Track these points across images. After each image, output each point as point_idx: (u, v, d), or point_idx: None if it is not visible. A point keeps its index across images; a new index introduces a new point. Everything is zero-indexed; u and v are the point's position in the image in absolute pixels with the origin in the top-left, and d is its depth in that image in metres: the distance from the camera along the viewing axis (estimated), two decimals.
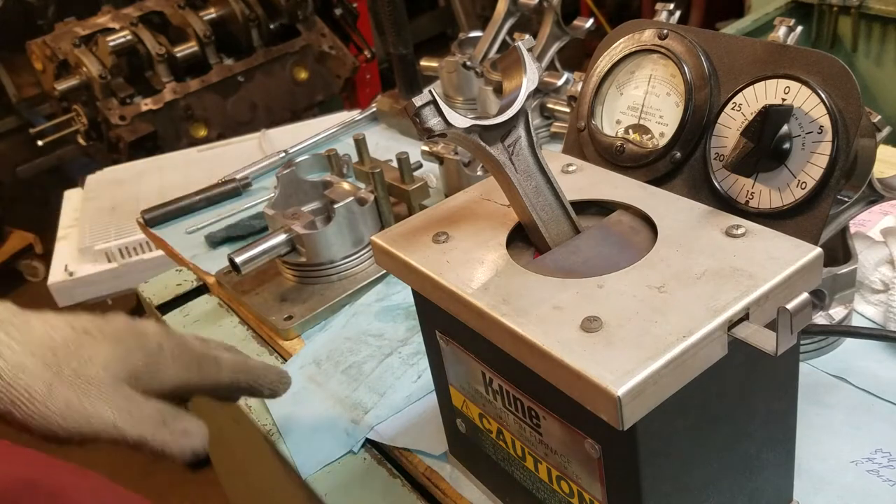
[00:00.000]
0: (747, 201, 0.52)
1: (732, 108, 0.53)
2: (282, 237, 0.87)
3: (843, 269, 0.67)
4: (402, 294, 0.87)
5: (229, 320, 0.92)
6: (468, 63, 1.18)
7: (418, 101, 0.47)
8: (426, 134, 0.48)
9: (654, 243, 0.48)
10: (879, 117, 0.55)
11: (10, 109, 2.76)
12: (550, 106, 1.10)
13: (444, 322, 0.54)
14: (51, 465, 0.58)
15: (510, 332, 0.44)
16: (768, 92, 0.52)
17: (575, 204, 0.54)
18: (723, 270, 0.45)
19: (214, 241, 1.04)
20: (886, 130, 0.57)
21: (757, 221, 0.48)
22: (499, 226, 0.53)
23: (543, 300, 0.45)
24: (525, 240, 0.54)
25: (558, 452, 0.49)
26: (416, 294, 0.56)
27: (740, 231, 0.48)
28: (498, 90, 1.12)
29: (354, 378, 0.77)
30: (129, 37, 2.12)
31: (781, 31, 0.64)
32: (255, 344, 0.87)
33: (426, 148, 1.02)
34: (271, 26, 2.30)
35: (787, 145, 0.51)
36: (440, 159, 0.99)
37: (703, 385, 0.42)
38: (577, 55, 2.83)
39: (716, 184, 0.54)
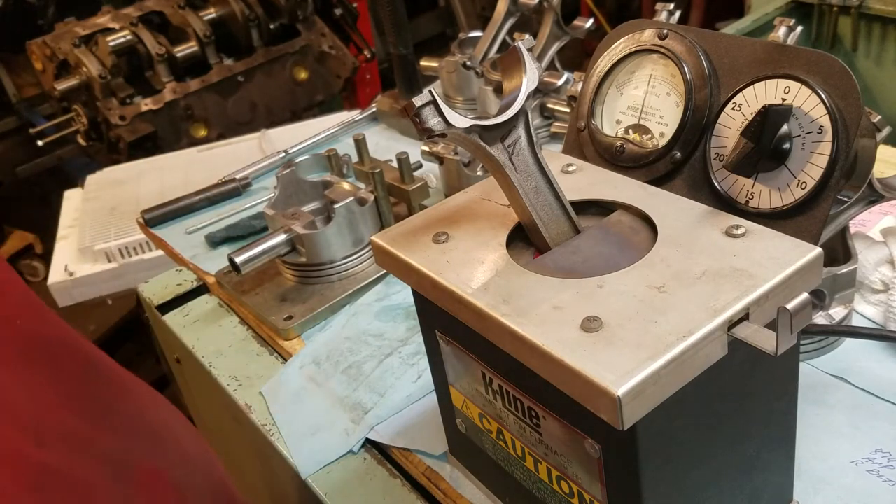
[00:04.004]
0: (747, 201, 0.52)
1: (732, 108, 0.53)
2: (282, 237, 0.87)
3: (843, 269, 0.67)
4: (402, 294, 0.87)
5: (229, 320, 0.92)
6: (468, 63, 1.18)
7: (418, 101, 0.47)
8: (426, 134, 0.48)
9: (654, 243, 0.48)
10: (879, 117, 0.55)
11: (10, 109, 2.75)
12: (550, 106, 1.10)
13: (444, 322, 0.54)
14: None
15: (510, 332, 0.44)
16: (768, 92, 0.52)
17: (575, 204, 0.54)
18: (723, 270, 0.45)
19: (214, 241, 1.04)
20: (886, 130, 0.57)
21: (757, 221, 0.48)
22: (499, 226, 0.53)
23: (543, 300, 0.45)
24: (525, 240, 0.54)
25: (558, 452, 0.49)
26: (416, 294, 0.56)
27: (740, 231, 0.48)
28: (498, 90, 1.12)
29: (354, 378, 0.77)
30: (129, 37, 2.12)
31: (781, 31, 0.64)
32: (256, 344, 0.87)
33: (426, 148, 1.02)
34: (271, 26, 2.30)
35: (787, 145, 0.51)
36: (440, 159, 0.99)
37: (703, 385, 0.42)
38: (577, 55, 2.83)
39: (716, 184, 0.54)
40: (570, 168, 0.59)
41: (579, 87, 0.63)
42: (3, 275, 0.57)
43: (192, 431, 0.70)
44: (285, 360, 0.83)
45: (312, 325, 0.86)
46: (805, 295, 0.41)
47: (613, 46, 0.61)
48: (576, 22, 1.11)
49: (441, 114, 0.47)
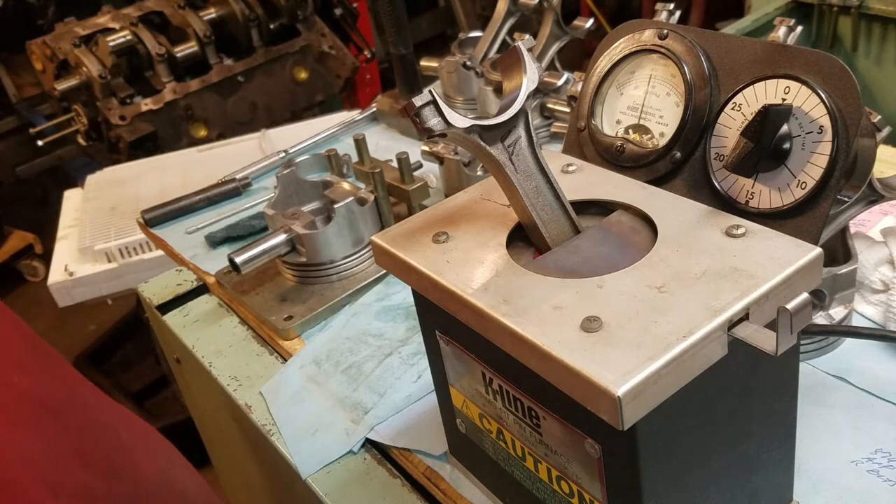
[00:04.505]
0: (747, 201, 0.52)
1: (732, 108, 0.53)
2: (282, 237, 0.87)
3: (843, 269, 0.67)
4: (402, 294, 0.87)
5: (229, 320, 0.92)
6: (468, 63, 1.18)
7: (418, 101, 0.47)
8: (426, 134, 0.48)
9: (654, 243, 0.48)
10: (879, 117, 0.55)
11: (10, 109, 2.76)
12: (550, 106, 1.10)
13: (444, 322, 0.54)
14: None
15: (510, 332, 0.44)
16: (768, 92, 0.52)
17: (575, 204, 0.54)
18: (723, 270, 0.45)
19: (214, 241, 1.04)
20: (886, 130, 0.57)
21: (757, 221, 0.48)
22: (499, 226, 0.53)
23: (543, 300, 0.45)
24: (525, 240, 0.54)
25: (558, 452, 0.49)
26: (416, 294, 0.56)
27: (740, 231, 0.48)
28: (498, 90, 1.12)
29: (354, 378, 0.77)
30: (129, 37, 2.12)
31: (781, 31, 0.64)
32: (256, 344, 0.87)
33: (426, 148, 1.02)
34: (271, 26, 2.30)
35: (787, 145, 0.51)
36: (440, 159, 0.99)
37: (703, 385, 0.42)
38: (577, 55, 2.83)
39: (716, 184, 0.54)
40: (570, 168, 0.59)
41: (579, 87, 0.63)
42: (4, 326, 0.57)
43: (199, 482, 0.69)
44: (285, 360, 0.83)
45: (312, 325, 0.86)
46: (805, 295, 0.41)
47: (613, 46, 0.61)
48: (576, 22, 1.11)
49: (441, 114, 0.47)
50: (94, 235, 1.60)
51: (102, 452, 0.57)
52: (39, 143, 2.31)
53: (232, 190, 1.16)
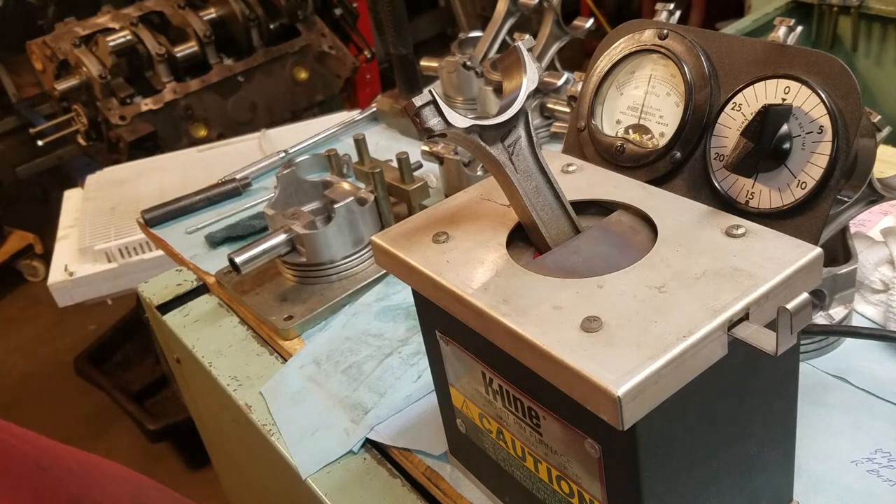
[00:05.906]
0: (747, 201, 0.52)
1: (732, 108, 0.53)
2: (282, 237, 0.87)
3: (843, 269, 0.67)
4: (402, 294, 0.87)
5: (229, 320, 0.92)
6: (468, 63, 1.18)
7: (418, 101, 0.47)
8: (426, 134, 0.48)
9: (654, 243, 0.48)
10: (879, 117, 0.55)
11: (10, 109, 2.76)
12: (550, 106, 1.10)
13: (444, 322, 0.54)
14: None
15: (510, 332, 0.44)
16: (768, 92, 0.52)
17: (575, 204, 0.54)
18: (723, 270, 0.45)
19: (214, 241, 1.04)
20: (886, 130, 0.57)
21: (757, 221, 0.48)
22: (499, 226, 0.53)
23: (543, 300, 0.45)
24: (525, 240, 0.54)
25: (558, 452, 0.49)
26: (416, 294, 0.56)
27: (740, 231, 0.48)
28: (498, 90, 1.12)
29: (354, 378, 0.77)
30: (129, 37, 2.12)
31: (781, 31, 0.64)
32: (256, 344, 0.87)
33: (426, 148, 1.02)
34: (271, 26, 2.30)
35: (787, 145, 0.51)
36: (440, 159, 0.99)
37: (703, 385, 0.42)
38: (577, 55, 2.84)
39: (716, 184, 0.54)
40: (570, 168, 0.59)
41: (579, 87, 0.63)
42: None
43: (172, 497, 0.68)
44: (285, 360, 0.83)
45: (312, 325, 0.86)
46: (805, 295, 0.41)
47: (613, 46, 0.61)
48: (576, 22, 1.11)
49: (441, 114, 0.47)
50: (94, 235, 1.60)
51: (62, 496, 0.56)
52: (39, 143, 2.31)
53: (232, 190, 1.16)
